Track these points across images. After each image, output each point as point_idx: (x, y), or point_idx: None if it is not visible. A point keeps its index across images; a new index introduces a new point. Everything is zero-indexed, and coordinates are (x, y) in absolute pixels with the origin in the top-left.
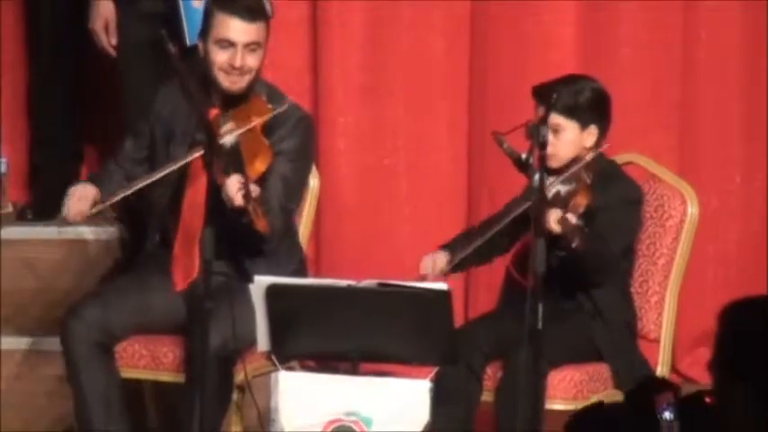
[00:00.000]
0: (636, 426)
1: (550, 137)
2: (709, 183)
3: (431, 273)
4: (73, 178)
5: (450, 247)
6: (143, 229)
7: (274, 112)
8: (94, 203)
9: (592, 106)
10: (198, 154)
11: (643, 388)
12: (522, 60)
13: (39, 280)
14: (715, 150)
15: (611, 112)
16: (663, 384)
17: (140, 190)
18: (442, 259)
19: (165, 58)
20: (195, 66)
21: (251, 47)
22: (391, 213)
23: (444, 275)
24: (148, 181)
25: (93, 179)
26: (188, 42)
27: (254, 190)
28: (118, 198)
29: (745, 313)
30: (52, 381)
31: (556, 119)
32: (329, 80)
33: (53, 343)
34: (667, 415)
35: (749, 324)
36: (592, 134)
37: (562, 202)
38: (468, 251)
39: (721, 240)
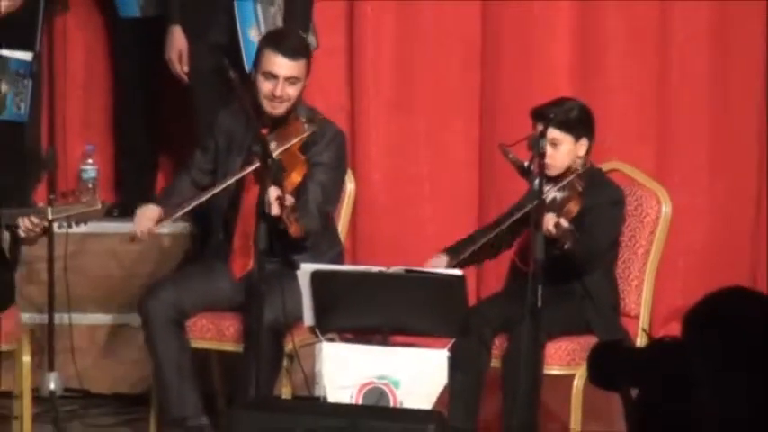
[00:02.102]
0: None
1: (549, 149)
2: (679, 186)
3: None
4: (151, 183)
5: (451, 250)
6: (209, 226)
7: (308, 133)
8: (159, 220)
9: (582, 121)
10: (253, 167)
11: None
12: (526, 83)
13: (123, 267)
14: (685, 159)
15: (596, 126)
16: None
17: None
18: (442, 261)
19: (227, 83)
20: (251, 90)
21: (291, 80)
22: (416, 212)
23: None
24: (207, 196)
25: (162, 195)
26: (247, 70)
27: (289, 200)
28: (177, 215)
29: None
30: (135, 350)
31: (553, 133)
32: (363, 99)
33: (135, 319)
34: None
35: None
36: (583, 145)
37: (557, 207)
38: (472, 250)
39: (690, 234)
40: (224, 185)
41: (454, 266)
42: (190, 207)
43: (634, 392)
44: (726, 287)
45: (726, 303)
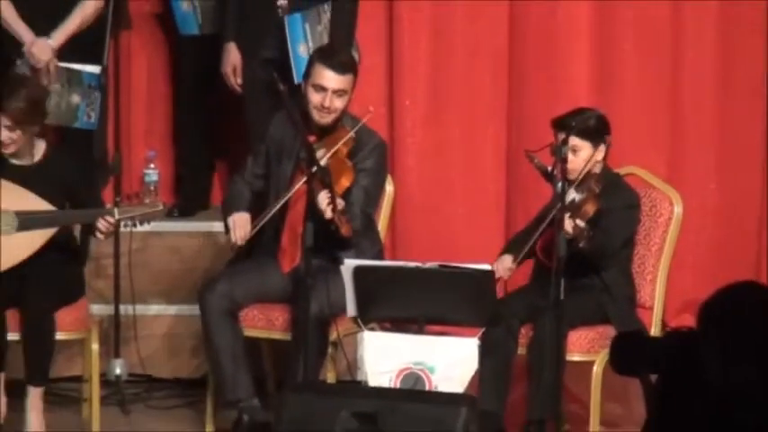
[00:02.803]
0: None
1: (570, 155)
2: (690, 189)
3: (504, 275)
4: (207, 185)
5: (509, 250)
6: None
7: (347, 137)
8: (252, 226)
9: (599, 129)
10: (305, 179)
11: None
12: (549, 94)
13: (182, 263)
14: (696, 164)
15: (612, 133)
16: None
17: (259, 198)
18: (507, 260)
19: (277, 94)
20: (299, 101)
21: (338, 93)
22: (448, 212)
23: (512, 271)
24: (282, 202)
25: (231, 203)
26: (295, 82)
27: (340, 203)
28: (264, 221)
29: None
30: (193, 339)
31: (574, 141)
32: (401, 111)
33: (193, 310)
34: None
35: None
36: (601, 151)
37: (575, 208)
38: (527, 249)
39: (700, 232)
40: (290, 194)
41: (518, 263)
42: (272, 212)
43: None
44: (737, 282)
45: (737, 296)
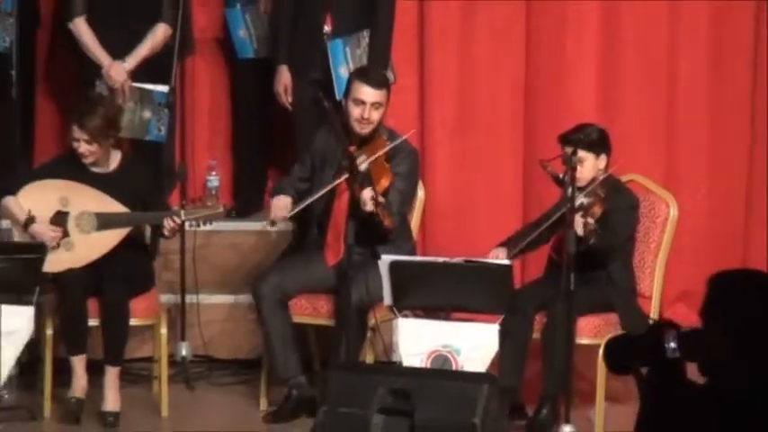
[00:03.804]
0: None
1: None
2: (684, 193)
3: None
4: (261, 190)
5: (506, 243)
6: (306, 224)
7: (390, 147)
8: (290, 208)
9: (601, 141)
10: (345, 177)
11: (654, 327)
12: (560, 111)
13: (240, 257)
14: (689, 172)
15: (612, 145)
16: (669, 324)
17: (301, 198)
18: (503, 253)
19: (322, 110)
20: (341, 115)
21: (375, 105)
22: (472, 213)
23: None
24: (321, 193)
25: (278, 189)
26: (338, 99)
27: (381, 199)
28: (303, 206)
29: (726, 279)
30: (249, 324)
31: (579, 152)
32: (431, 122)
33: (249, 299)
34: (672, 344)
35: (727, 285)
36: (603, 160)
37: (584, 210)
38: (524, 244)
39: (693, 232)
40: (327, 189)
41: (511, 257)
42: (310, 200)
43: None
44: (735, 269)
45: (738, 279)
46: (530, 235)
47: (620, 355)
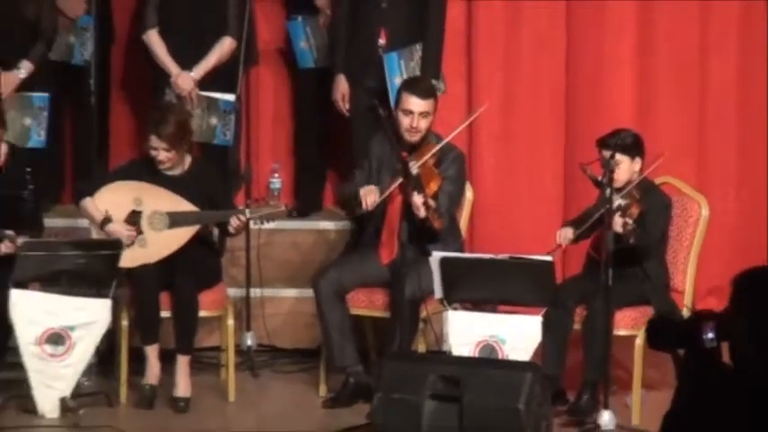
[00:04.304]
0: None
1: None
2: (715, 194)
3: (563, 243)
4: (321, 192)
5: (572, 223)
6: (363, 224)
7: (438, 154)
8: (377, 195)
9: (635, 146)
10: (399, 182)
11: (693, 317)
12: (598, 117)
13: (300, 254)
14: (719, 174)
15: (646, 148)
16: (708, 315)
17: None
18: (569, 231)
19: (378, 118)
20: (395, 123)
21: (423, 114)
22: (516, 213)
23: (571, 243)
24: (387, 193)
25: (355, 186)
26: (392, 107)
27: (432, 203)
28: (385, 195)
29: (750, 276)
30: (309, 316)
31: (617, 156)
32: (478, 128)
33: (309, 293)
34: (710, 335)
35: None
36: (637, 163)
37: (622, 211)
38: (586, 227)
39: (723, 231)
40: (390, 190)
41: (576, 236)
42: (390, 190)
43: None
44: (760, 266)
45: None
46: (590, 219)
47: (660, 336)
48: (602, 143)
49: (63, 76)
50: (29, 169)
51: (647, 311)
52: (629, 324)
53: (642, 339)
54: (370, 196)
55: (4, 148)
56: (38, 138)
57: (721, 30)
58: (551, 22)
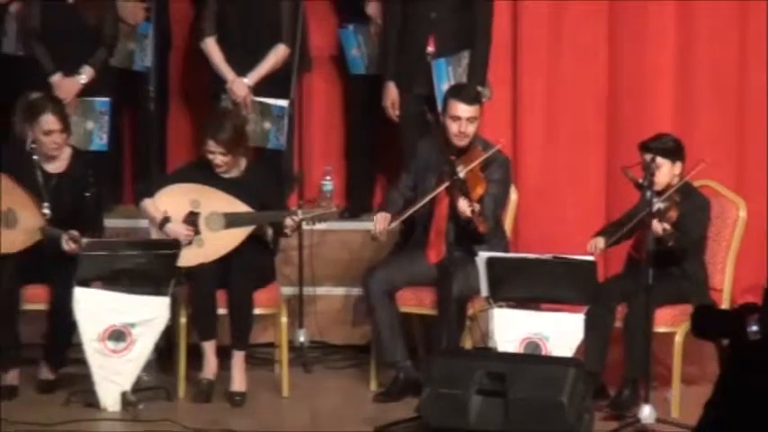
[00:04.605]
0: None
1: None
2: (753, 198)
3: (595, 251)
4: (371, 193)
5: (603, 233)
6: (412, 225)
7: (484, 158)
8: (390, 223)
9: (676, 150)
10: (445, 185)
11: (739, 309)
12: (639, 122)
13: (351, 253)
14: (756, 177)
15: (686, 152)
16: (753, 308)
17: (410, 204)
18: (601, 242)
19: (426, 123)
20: (443, 128)
21: (470, 120)
22: (560, 215)
23: (602, 252)
24: (418, 207)
25: (384, 206)
26: (440, 113)
27: (477, 207)
28: (400, 220)
29: None
30: (359, 313)
31: (657, 159)
32: (523, 133)
33: (360, 291)
34: (754, 327)
35: None
36: (678, 167)
37: (661, 214)
38: (616, 238)
39: (760, 232)
40: (428, 198)
41: (607, 246)
42: (407, 214)
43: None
44: None
45: None
46: (622, 228)
47: (705, 325)
48: (644, 147)
49: (124, 82)
50: (91, 172)
51: (687, 310)
52: (669, 322)
53: (681, 336)
54: (380, 223)
55: (68, 151)
56: (99, 141)
57: (760, 37)
58: (594, 30)
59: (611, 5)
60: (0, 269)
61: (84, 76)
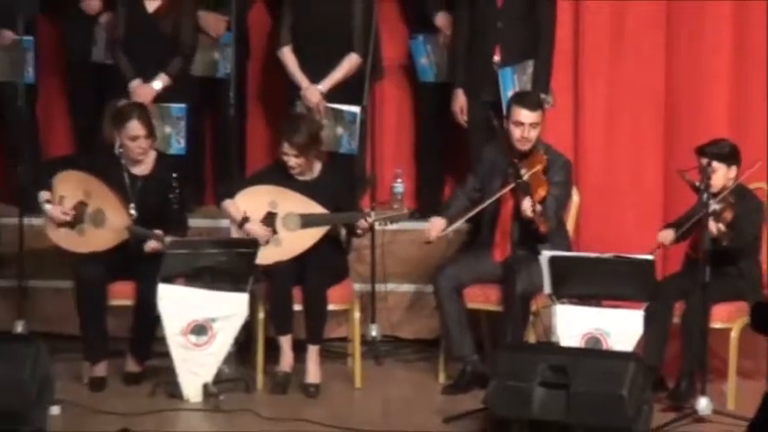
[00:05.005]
0: None
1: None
2: None
3: (665, 242)
4: (439, 195)
5: (673, 225)
6: (479, 225)
7: (546, 161)
8: (444, 228)
9: (732, 155)
10: (510, 186)
11: None
12: (696, 127)
13: (421, 252)
14: None
15: (741, 157)
16: None
17: (476, 204)
18: (670, 233)
19: (492, 128)
20: (507, 133)
21: (533, 125)
22: (620, 216)
23: (671, 244)
24: (476, 211)
25: (444, 209)
26: (505, 118)
27: (538, 208)
28: (455, 226)
29: None
30: (428, 309)
31: (713, 163)
32: (583, 140)
33: (429, 287)
34: None
35: None
36: (733, 171)
37: (716, 215)
38: (684, 230)
39: None
40: (490, 201)
41: (677, 238)
42: (462, 220)
43: None
44: None
45: None
46: (687, 223)
47: (764, 320)
48: (701, 151)
49: (208, 89)
50: (175, 174)
51: (742, 307)
52: (725, 318)
53: (737, 332)
54: (434, 229)
55: (153, 155)
56: (177, 145)
57: None
58: (652, 39)
59: (669, 14)
60: (89, 267)
61: (159, 82)
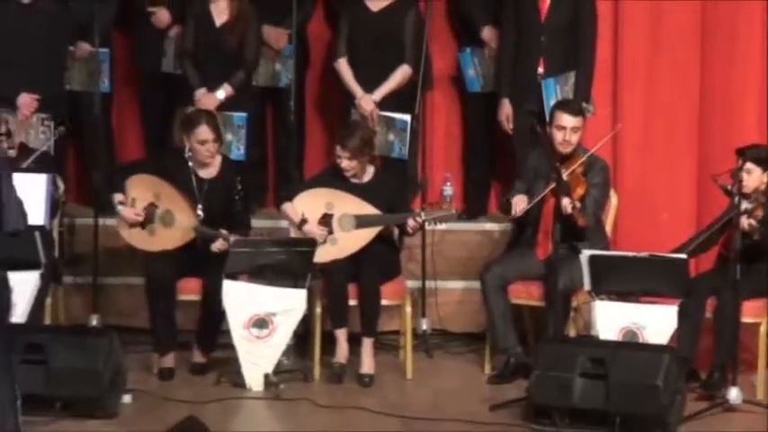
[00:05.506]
0: None
1: (744, 176)
2: None
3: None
4: (486, 198)
5: (680, 249)
6: (522, 225)
7: (585, 164)
8: (527, 204)
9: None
10: (551, 187)
11: None
12: (729, 135)
13: (468, 251)
14: None
15: None
16: None
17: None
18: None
19: (535, 135)
20: (550, 138)
21: (574, 129)
22: (656, 216)
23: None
24: (539, 197)
25: (512, 194)
26: (548, 125)
27: (577, 204)
28: (530, 206)
29: None
30: (476, 304)
31: (748, 165)
32: (622, 146)
33: (476, 284)
34: None
35: None
36: (767, 175)
37: (748, 213)
38: (696, 244)
39: None
40: (543, 194)
41: (690, 253)
42: (532, 204)
43: None
44: None
45: None
46: (701, 237)
47: None
48: (740, 152)
49: (270, 98)
50: (239, 178)
51: None
52: (755, 313)
53: (766, 326)
54: (520, 204)
55: (220, 159)
56: (238, 152)
57: None
58: (687, 51)
59: (704, 27)
60: (158, 264)
61: (223, 92)
